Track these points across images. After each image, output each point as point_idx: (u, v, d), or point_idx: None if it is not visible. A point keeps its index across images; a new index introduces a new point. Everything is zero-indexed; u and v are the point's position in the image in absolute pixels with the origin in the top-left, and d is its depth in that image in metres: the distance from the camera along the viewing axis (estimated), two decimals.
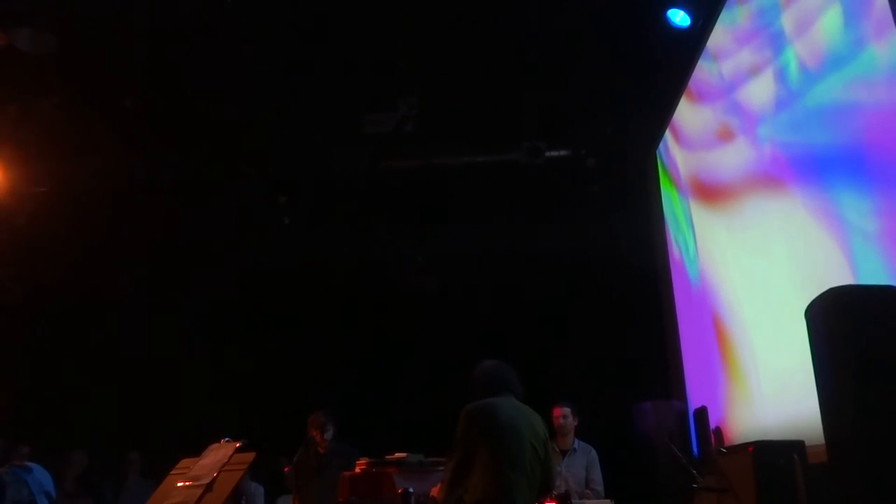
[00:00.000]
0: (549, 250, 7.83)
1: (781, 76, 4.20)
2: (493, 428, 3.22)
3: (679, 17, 5.64)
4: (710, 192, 5.64)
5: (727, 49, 5.20)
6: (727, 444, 5.02)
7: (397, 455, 4.17)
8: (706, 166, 5.75)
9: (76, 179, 7.41)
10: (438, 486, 3.48)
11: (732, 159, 5.05)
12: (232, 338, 7.78)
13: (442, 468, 3.97)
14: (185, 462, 3.46)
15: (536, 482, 3.28)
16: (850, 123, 3.44)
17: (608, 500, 4.81)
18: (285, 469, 4.91)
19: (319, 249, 8.15)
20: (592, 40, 6.05)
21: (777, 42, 4.27)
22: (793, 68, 4.06)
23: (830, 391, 2.57)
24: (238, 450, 3.35)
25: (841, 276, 3.30)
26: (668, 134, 6.81)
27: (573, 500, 4.31)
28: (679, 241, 6.65)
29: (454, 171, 7.57)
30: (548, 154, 7.29)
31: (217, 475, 3.20)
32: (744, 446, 3.81)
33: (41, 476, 5.10)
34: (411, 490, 3.76)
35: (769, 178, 4.40)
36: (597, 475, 5.18)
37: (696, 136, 6.03)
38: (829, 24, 3.62)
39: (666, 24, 5.69)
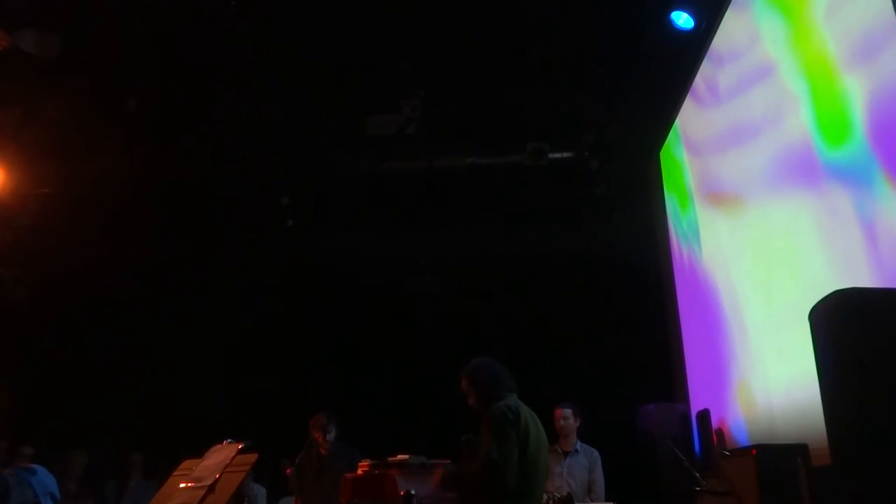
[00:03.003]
0: (552, 252, 7.83)
1: (785, 78, 4.19)
2: (526, 436, 3.19)
3: (683, 20, 5.64)
4: (715, 193, 5.64)
5: (731, 51, 5.20)
6: (730, 446, 5.01)
7: (399, 456, 4.16)
8: (711, 168, 5.75)
9: (79, 180, 7.42)
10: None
11: (737, 161, 5.05)
12: (234, 338, 7.79)
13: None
14: (187, 463, 3.47)
15: (544, 487, 3.33)
16: (857, 123, 3.43)
17: (611, 503, 4.80)
18: (287, 471, 4.91)
19: (322, 251, 8.15)
20: (596, 42, 6.05)
21: (781, 45, 4.26)
22: (797, 70, 4.05)
23: (834, 394, 2.57)
24: (240, 451, 3.36)
25: (845, 279, 3.29)
26: (672, 136, 6.81)
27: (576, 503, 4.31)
28: (683, 243, 6.64)
29: (457, 173, 7.56)
30: (551, 156, 7.28)
31: (219, 476, 3.20)
32: (747, 449, 3.80)
33: (45, 477, 5.11)
34: (413, 492, 3.75)
35: (773, 179, 4.39)
36: (599, 477, 5.17)
37: (702, 138, 6.02)
38: (835, 27, 3.61)
39: (670, 26, 5.69)
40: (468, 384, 3.44)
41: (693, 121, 6.23)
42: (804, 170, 3.95)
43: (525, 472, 3.14)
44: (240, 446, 3.38)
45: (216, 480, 3.18)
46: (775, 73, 4.32)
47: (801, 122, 3.97)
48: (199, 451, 3.49)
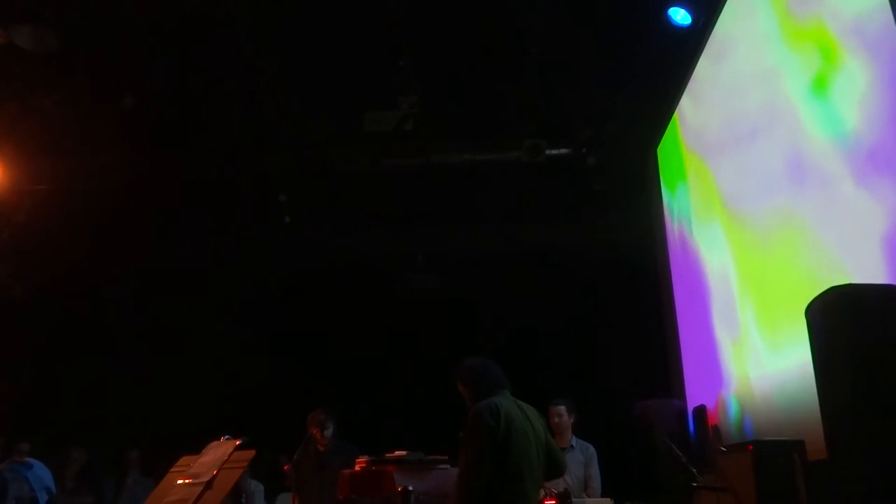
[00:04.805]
0: (549, 248, 7.84)
1: (783, 73, 4.20)
2: (508, 434, 3.12)
3: (680, 16, 5.64)
4: (713, 189, 5.64)
5: (729, 47, 5.20)
6: (726, 442, 5.02)
7: (397, 453, 4.16)
8: (709, 164, 5.75)
9: (77, 177, 7.41)
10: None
11: (735, 156, 5.05)
12: (231, 336, 7.79)
13: (442, 466, 3.97)
14: (184, 459, 3.47)
15: (541, 483, 3.27)
16: (855, 118, 3.43)
17: (607, 499, 4.80)
18: (285, 467, 4.91)
19: (319, 248, 8.15)
20: (593, 38, 6.05)
21: (778, 40, 4.26)
22: (794, 65, 4.05)
23: (830, 390, 2.57)
24: (238, 447, 3.36)
25: (840, 276, 3.30)
26: (670, 131, 6.81)
27: (572, 499, 4.31)
28: (680, 239, 6.65)
29: (454, 170, 7.56)
30: (548, 152, 7.28)
31: (217, 473, 3.21)
32: (743, 445, 3.81)
33: (41, 472, 5.12)
34: (411, 488, 3.76)
35: (770, 175, 4.40)
36: (595, 472, 5.17)
37: (699, 134, 6.03)
38: (833, 21, 3.61)
39: (667, 22, 5.69)
40: (461, 386, 3.42)
41: (691, 116, 6.23)
42: (801, 165, 3.96)
43: (512, 471, 3.07)
44: (237, 443, 3.38)
45: (214, 477, 3.18)
46: (773, 69, 4.32)
47: (798, 117, 3.98)
48: (196, 448, 3.49)
